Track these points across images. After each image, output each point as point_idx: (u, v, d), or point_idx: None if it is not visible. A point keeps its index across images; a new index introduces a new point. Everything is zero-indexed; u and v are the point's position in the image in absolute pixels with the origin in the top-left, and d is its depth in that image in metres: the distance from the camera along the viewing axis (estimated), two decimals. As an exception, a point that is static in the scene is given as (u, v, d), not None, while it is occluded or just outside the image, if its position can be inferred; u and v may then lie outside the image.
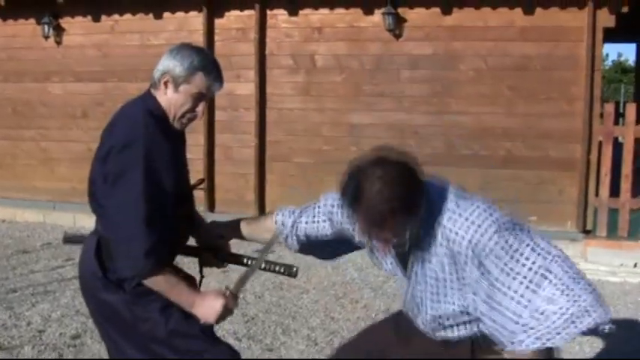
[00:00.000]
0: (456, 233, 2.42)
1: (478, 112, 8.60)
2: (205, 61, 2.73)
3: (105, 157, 2.64)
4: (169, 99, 2.73)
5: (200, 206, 7.66)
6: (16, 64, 10.40)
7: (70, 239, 3.28)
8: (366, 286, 6.78)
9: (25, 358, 4.90)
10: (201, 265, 3.11)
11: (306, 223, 2.92)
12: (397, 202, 2.33)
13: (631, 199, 7.99)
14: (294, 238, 2.96)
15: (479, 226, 2.40)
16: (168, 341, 2.69)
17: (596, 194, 8.13)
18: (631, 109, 8.18)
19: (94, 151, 2.75)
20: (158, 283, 2.61)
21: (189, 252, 3.06)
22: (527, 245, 2.40)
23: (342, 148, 9.00)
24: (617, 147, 8.27)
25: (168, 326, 2.69)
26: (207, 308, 2.67)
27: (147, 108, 2.72)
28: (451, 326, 2.62)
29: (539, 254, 2.39)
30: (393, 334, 2.89)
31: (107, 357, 4.84)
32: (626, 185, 7.99)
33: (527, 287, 2.34)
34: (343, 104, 9.07)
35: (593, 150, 8.21)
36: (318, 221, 2.89)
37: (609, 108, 8.22)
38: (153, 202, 2.58)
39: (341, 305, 6.26)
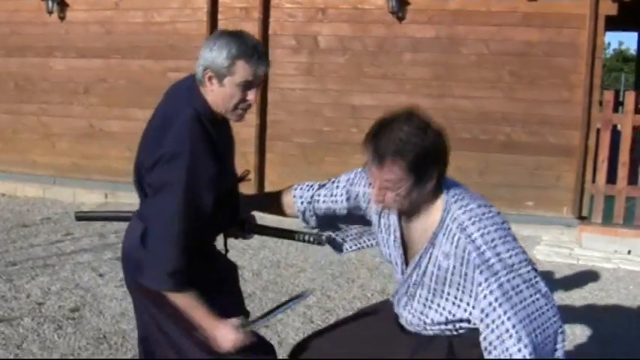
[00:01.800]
0: (465, 239, 2.41)
1: (479, 96, 8.63)
2: (244, 46, 2.59)
3: (153, 164, 2.59)
4: (216, 94, 2.64)
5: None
6: (18, 38, 10.39)
7: (82, 217, 3.26)
8: (363, 266, 6.83)
9: (25, 329, 4.97)
10: (226, 237, 3.07)
11: (325, 196, 2.92)
12: (407, 150, 2.34)
13: (627, 187, 8.04)
14: (312, 212, 2.97)
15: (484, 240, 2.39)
16: None
17: (593, 181, 8.19)
18: (630, 98, 8.22)
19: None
20: (179, 301, 2.59)
21: None
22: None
23: (343, 130, 9.05)
24: (617, 135, 8.31)
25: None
26: (221, 337, 2.62)
27: (195, 111, 2.63)
28: (432, 330, 2.60)
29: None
30: (368, 330, 2.84)
31: (105, 329, 4.95)
32: (622, 173, 8.04)
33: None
34: (345, 85, 9.10)
35: (591, 137, 8.25)
36: (335, 194, 2.88)
37: (608, 96, 8.24)
38: (189, 220, 2.55)
39: (337, 284, 6.32)
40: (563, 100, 8.37)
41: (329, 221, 3.04)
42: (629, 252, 7.64)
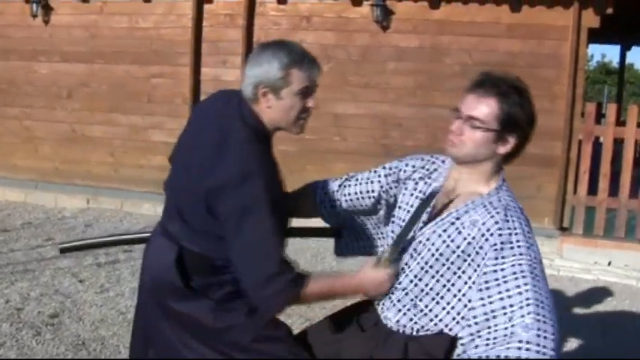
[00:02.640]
0: (489, 234, 2.36)
1: (462, 106, 8.64)
2: (293, 54, 2.55)
3: (220, 189, 2.45)
4: (275, 109, 2.57)
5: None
6: (2, 41, 10.34)
7: (67, 249, 3.08)
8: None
9: (3, 334, 4.93)
10: None
11: (358, 179, 2.84)
12: (509, 102, 2.44)
13: (608, 198, 8.10)
14: (337, 200, 2.86)
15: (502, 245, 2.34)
16: (251, 347, 2.57)
17: (574, 192, 8.23)
18: (611, 110, 8.29)
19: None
20: (314, 291, 2.50)
21: None
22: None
23: (325, 138, 9.05)
24: (598, 146, 8.37)
25: (253, 332, 2.57)
26: (372, 286, 2.54)
27: (251, 128, 2.55)
28: (408, 310, 2.50)
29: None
30: (328, 332, 2.78)
31: (84, 336, 4.91)
32: (603, 184, 8.09)
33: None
34: (328, 94, 9.08)
35: (573, 148, 8.30)
36: (371, 177, 2.80)
37: (590, 107, 8.31)
38: (282, 231, 2.49)
39: (318, 293, 6.30)
40: (545, 111, 8.39)
41: (347, 216, 2.92)
42: (609, 263, 7.69)
